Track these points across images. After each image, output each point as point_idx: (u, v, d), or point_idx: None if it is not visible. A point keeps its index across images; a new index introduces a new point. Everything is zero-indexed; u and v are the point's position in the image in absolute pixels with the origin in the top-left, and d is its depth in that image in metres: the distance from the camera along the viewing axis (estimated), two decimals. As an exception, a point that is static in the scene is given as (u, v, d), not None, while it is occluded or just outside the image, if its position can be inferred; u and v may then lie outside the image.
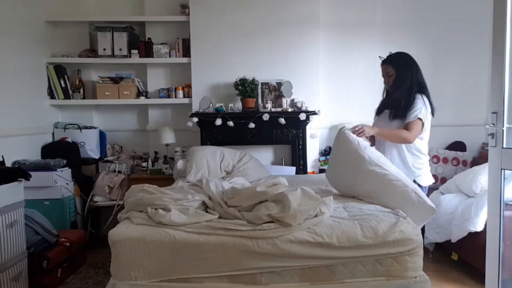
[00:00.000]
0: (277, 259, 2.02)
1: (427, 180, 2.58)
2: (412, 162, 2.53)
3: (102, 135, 4.08)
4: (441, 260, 3.25)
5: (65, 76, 3.98)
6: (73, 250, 3.02)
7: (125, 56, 3.94)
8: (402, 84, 2.53)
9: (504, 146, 2.20)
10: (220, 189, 2.52)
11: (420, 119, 2.44)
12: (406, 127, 2.47)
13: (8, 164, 3.10)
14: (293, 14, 3.89)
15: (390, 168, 2.37)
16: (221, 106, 3.82)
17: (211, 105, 3.84)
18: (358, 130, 2.45)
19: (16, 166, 3.15)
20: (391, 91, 2.60)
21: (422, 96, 2.50)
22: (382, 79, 2.70)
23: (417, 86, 2.53)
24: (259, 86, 3.87)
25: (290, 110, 3.79)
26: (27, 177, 2.62)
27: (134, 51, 3.95)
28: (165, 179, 3.62)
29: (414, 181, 2.49)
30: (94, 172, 3.98)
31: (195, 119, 3.75)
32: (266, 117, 3.69)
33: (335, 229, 2.07)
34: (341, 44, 4.09)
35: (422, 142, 2.54)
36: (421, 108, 2.45)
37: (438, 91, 4.10)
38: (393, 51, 2.68)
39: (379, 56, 2.68)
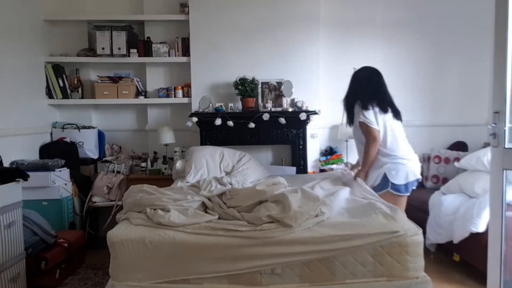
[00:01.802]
0: (276, 257, 2.01)
1: (400, 179, 2.71)
2: (382, 163, 2.76)
3: (100, 135, 4.06)
4: (442, 261, 3.23)
5: (64, 76, 3.96)
6: (71, 251, 3.00)
7: (124, 55, 3.92)
8: (347, 96, 2.93)
9: (506, 146, 2.17)
10: (219, 189, 2.51)
11: (361, 122, 2.75)
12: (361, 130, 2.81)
13: (6, 164, 3.08)
14: (293, 13, 3.87)
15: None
16: (221, 106, 3.80)
17: (210, 104, 3.82)
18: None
19: (14, 166, 3.13)
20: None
21: (358, 103, 2.80)
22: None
23: (363, 98, 2.79)
24: (259, 86, 3.85)
25: (290, 109, 3.77)
26: (25, 178, 2.60)
27: (133, 50, 3.93)
28: (164, 180, 3.60)
29: (386, 176, 2.71)
30: (92, 172, 3.96)
31: (195, 119, 3.73)
32: (266, 117, 3.67)
33: (335, 227, 2.07)
34: (342, 43, 4.07)
35: (388, 142, 2.76)
36: (358, 113, 2.79)
37: (439, 91, 4.13)
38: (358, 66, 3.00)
39: (354, 68, 3.04)
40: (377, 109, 2.74)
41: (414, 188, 2.81)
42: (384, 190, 2.70)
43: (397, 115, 2.82)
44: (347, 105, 2.91)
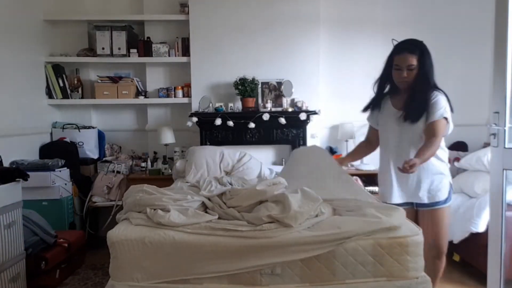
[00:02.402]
0: (276, 257, 2.01)
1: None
2: (444, 158, 2.28)
3: (100, 135, 4.06)
4: (442, 261, 3.23)
5: (64, 76, 3.96)
6: (71, 251, 3.00)
7: (124, 55, 3.92)
8: (427, 80, 2.17)
9: (506, 146, 2.18)
10: (219, 189, 2.51)
11: (445, 118, 2.17)
12: (431, 127, 2.15)
13: (6, 164, 3.08)
14: (293, 12, 3.87)
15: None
16: (221, 106, 3.80)
17: (210, 104, 3.82)
18: (409, 169, 2.00)
19: (14, 166, 3.13)
20: (410, 88, 2.20)
21: (441, 93, 2.21)
22: (384, 70, 2.35)
23: (433, 83, 2.24)
24: (259, 86, 3.85)
25: (290, 109, 3.77)
26: (25, 178, 2.60)
27: (133, 50, 3.93)
28: (164, 180, 3.60)
29: (451, 186, 2.28)
30: (92, 172, 3.95)
31: (195, 119, 3.73)
32: (266, 117, 3.67)
33: (335, 225, 2.07)
34: (342, 42, 4.07)
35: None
36: (445, 106, 2.17)
37: (439, 91, 4.12)
38: (400, 38, 2.32)
39: (393, 40, 2.32)
40: None
41: None
42: (448, 203, 2.26)
43: None
44: (424, 90, 2.17)
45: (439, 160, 2.24)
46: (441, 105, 2.15)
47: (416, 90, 2.18)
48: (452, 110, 2.23)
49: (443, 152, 2.27)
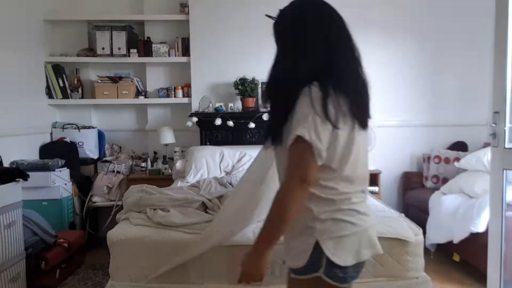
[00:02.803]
0: (275, 256, 2.01)
1: (346, 255, 1.21)
2: (311, 223, 1.22)
3: (100, 135, 4.06)
4: (442, 261, 3.23)
5: (64, 76, 3.96)
6: (71, 251, 3.00)
7: (124, 55, 3.92)
8: (275, 73, 1.41)
9: (506, 146, 2.17)
10: (216, 192, 2.52)
11: (301, 137, 1.16)
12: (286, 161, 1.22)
13: (6, 164, 3.08)
14: (293, 13, 3.86)
15: None
16: (221, 106, 3.80)
17: (210, 104, 3.82)
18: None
19: (14, 166, 3.13)
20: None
21: (311, 89, 1.22)
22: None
23: (315, 71, 1.27)
24: (259, 86, 3.85)
25: (290, 109, 3.76)
26: (25, 178, 2.60)
27: (133, 50, 3.93)
28: (164, 180, 3.60)
29: (319, 248, 1.19)
30: (92, 172, 3.95)
31: (195, 119, 3.73)
32: (266, 117, 3.67)
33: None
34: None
35: (330, 176, 1.23)
36: (305, 113, 1.18)
37: (439, 91, 4.12)
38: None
39: (266, 15, 1.56)
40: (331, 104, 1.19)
41: (357, 274, 1.28)
42: (311, 275, 1.21)
43: (364, 116, 1.32)
44: (274, 89, 1.40)
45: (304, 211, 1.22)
46: (298, 115, 1.20)
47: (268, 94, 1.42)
48: (323, 108, 1.18)
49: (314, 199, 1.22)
